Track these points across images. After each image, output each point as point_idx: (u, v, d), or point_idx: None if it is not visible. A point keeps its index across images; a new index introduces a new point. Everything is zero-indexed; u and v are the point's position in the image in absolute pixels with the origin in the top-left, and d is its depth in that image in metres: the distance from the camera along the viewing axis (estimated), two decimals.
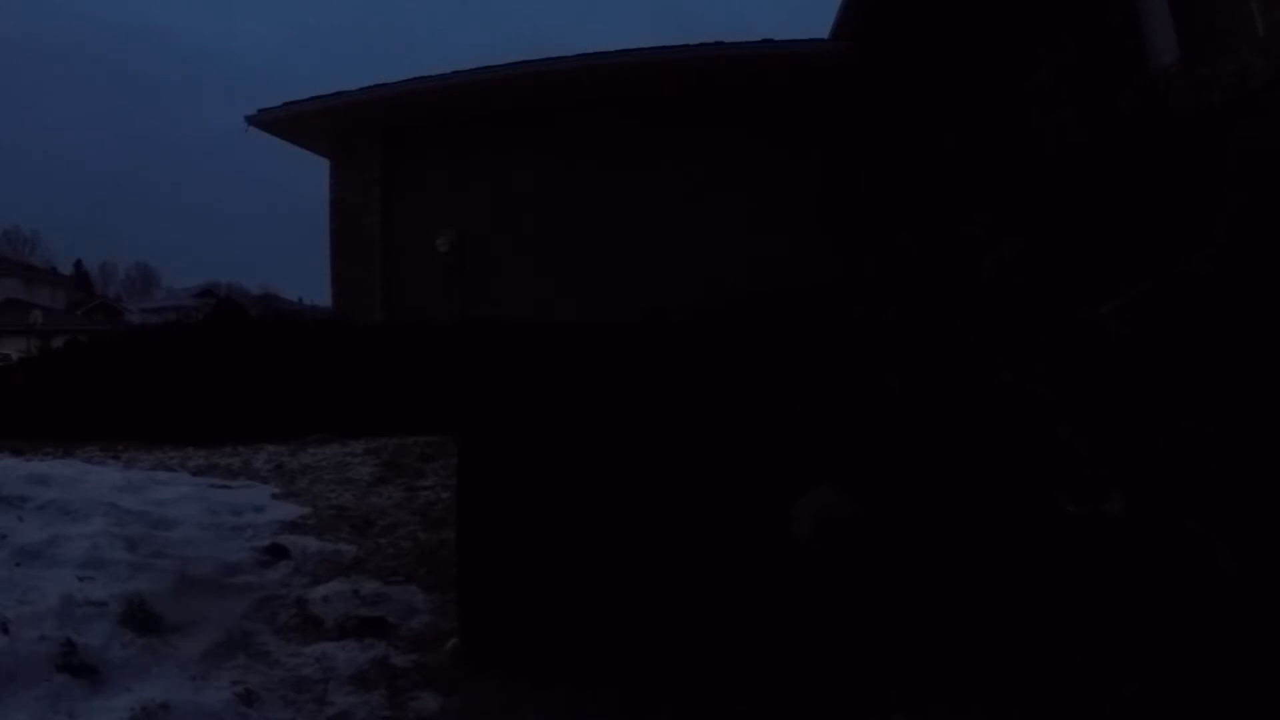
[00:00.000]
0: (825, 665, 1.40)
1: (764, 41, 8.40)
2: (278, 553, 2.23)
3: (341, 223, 9.26)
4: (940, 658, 1.32)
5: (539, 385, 2.03)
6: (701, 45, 8.40)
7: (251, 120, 9.39)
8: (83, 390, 6.96)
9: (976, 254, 3.37)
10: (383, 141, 9.20)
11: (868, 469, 2.22)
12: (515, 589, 1.89)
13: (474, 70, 8.61)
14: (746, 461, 1.80)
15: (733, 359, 1.93)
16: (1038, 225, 3.04)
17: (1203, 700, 1.08)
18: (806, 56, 8.06)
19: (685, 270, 7.65)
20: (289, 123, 9.47)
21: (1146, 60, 4.77)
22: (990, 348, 2.41)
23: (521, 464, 2.01)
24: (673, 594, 1.70)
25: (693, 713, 1.34)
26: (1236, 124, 2.45)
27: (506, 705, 1.42)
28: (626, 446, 1.88)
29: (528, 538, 1.92)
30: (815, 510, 2.10)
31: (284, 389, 6.47)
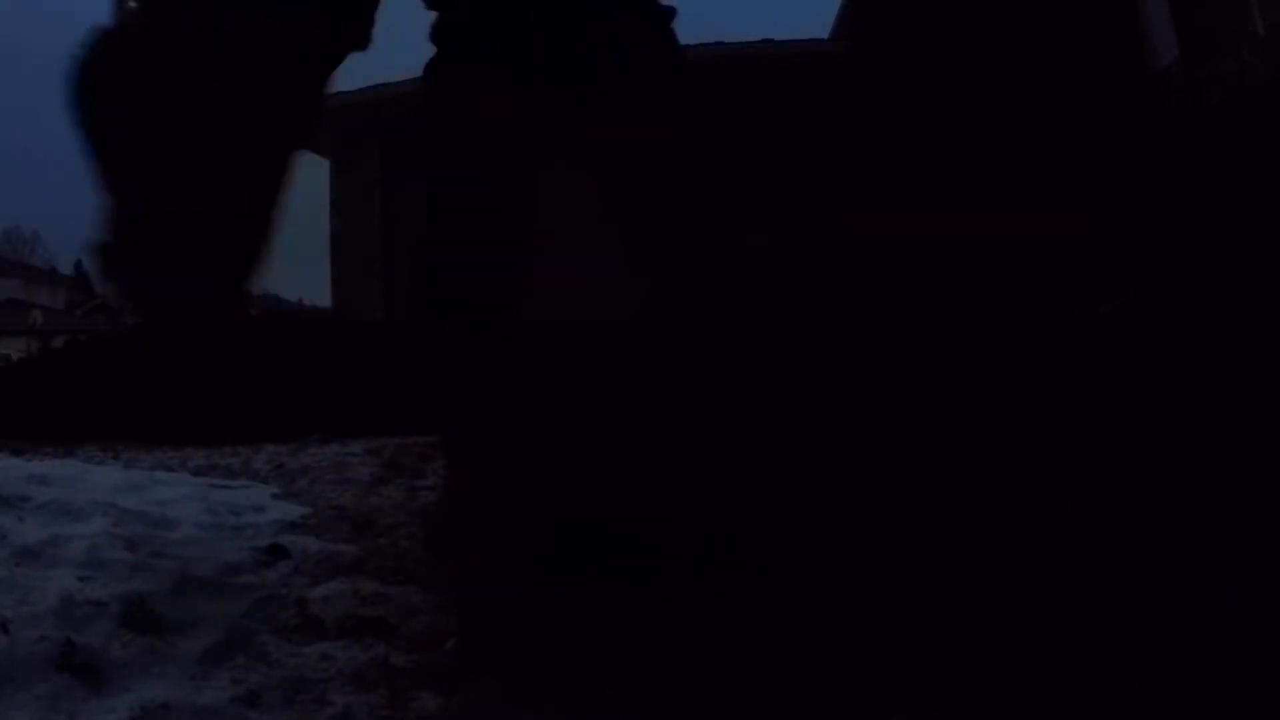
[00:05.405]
0: (826, 666, 1.40)
1: (764, 41, 8.42)
2: (278, 553, 2.23)
3: (341, 223, 9.28)
4: (941, 658, 1.32)
5: (537, 384, 2.04)
6: (700, 45, 8.43)
7: None
8: (83, 390, 6.96)
9: (975, 254, 3.38)
10: (382, 141, 9.20)
11: (869, 469, 2.22)
12: (516, 589, 1.89)
13: None
14: (746, 461, 1.80)
15: (732, 358, 1.94)
16: (1037, 225, 3.04)
17: (1204, 701, 1.08)
18: (806, 56, 8.07)
19: None
20: None
21: (1146, 60, 4.78)
22: (989, 348, 2.42)
23: (520, 463, 2.02)
24: (674, 594, 1.70)
25: (694, 712, 1.34)
26: (1236, 124, 2.46)
27: (507, 705, 1.42)
28: (627, 447, 1.88)
29: (528, 537, 1.92)
30: (814, 510, 2.10)
31: (284, 389, 6.47)
